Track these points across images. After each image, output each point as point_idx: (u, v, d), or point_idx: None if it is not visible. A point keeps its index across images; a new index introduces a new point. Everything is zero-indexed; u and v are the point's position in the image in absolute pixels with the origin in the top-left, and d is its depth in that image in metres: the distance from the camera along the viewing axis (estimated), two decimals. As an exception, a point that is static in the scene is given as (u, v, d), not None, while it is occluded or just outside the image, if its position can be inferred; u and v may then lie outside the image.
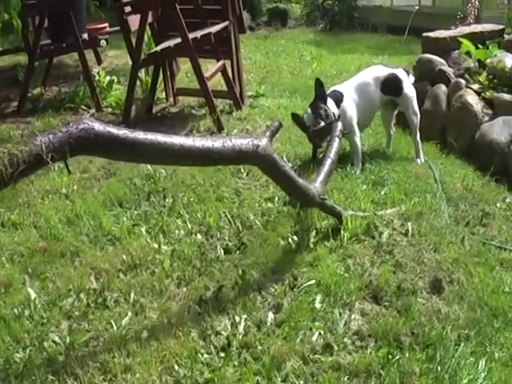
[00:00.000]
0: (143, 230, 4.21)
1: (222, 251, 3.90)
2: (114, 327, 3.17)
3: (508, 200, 4.72)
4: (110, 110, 7.29)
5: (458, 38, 6.54)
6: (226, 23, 6.76)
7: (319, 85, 4.98)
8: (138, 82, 7.57)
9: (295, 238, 3.97)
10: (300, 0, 15.21)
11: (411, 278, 3.54)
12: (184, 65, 8.59)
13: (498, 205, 4.63)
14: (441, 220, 4.27)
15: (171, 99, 7.51)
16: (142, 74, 7.63)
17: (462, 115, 5.69)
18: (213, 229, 4.16)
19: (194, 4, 6.86)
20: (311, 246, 3.90)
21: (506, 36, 6.83)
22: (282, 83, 8.36)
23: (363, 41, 11.78)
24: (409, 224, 4.13)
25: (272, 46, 11.65)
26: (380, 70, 5.37)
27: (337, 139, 4.22)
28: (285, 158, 5.22)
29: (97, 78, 7.64)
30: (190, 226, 4.22)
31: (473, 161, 5.40)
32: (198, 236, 4.09)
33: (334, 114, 4.93)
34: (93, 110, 7.11)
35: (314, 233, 4.03)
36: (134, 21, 6.42)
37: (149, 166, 5.10)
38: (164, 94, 7.58)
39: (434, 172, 5.07)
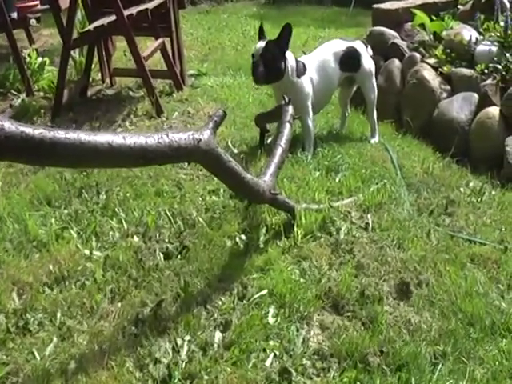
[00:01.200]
0: (73, 232, 3.76)
1: (162, 256, 3.46)
2: (37, 357, 2.72)
3: (472, 184, 4.38)
4: (42, 94, 6.73)
5: (411, 10, 6.11)
6: (164, -2, 6.27)
7: (287, 31, 4.59)
8: (72, 63, 7.08)
9: (243, 237, 3.56)
10: (242, -28, 14.67)
11: (375, 281, 3.16)
12: (121, 43, 8.11)
13: (462, 189, 4.29)
14: (402, 210, 3.90)
15: (108, 80, 7.01)
16: (76, 54, 7.12)
17: (418, 92, 5.33)
18: (151, 229, 3.72)
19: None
20: (261, 246, 3.49)
21: (460, 7, 6.46)
22: (226, 60, 7.90)
23: (308, 13, 11.35)
24: (368, 216, 3.75)
25: (214, 20, 11.15)
26: (338, 45, 4.96)
27: (288, 125, 3.80)
28: (230, 143, 4.81)
29: (28, 59, 7.06)
30: (125, 227, 3.78)
31: (431, 141, 5.06)
32: (135, 238, 3.66)
33: (287, 67, 4.58)
34: (23, 95, 6.51)
35: (264, 230, 3.63)
36: (63, -1, 5.88)
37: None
38: (100, 75, 7.05)
39: (391, 155, 4.70)
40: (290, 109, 3.95)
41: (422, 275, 3.22)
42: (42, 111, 5.97)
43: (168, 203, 3.99)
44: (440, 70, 5.39)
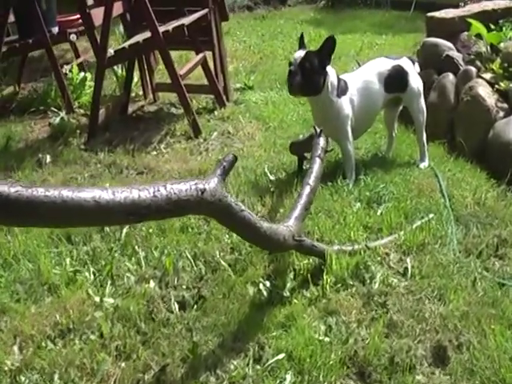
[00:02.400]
0: (88, 274, 3.48)
1: (177, 306, 3.16)
2: None
3: (529, 217, 3.92)
4: (82, 111, 6.51)
5: (467, 19, 5.67)
6: (205, 11, 5.98)
7: (330, 43, 4.21)
8: (115, 79, 6.86)
9: (268, 284, 3.26)
10: (301, -25, 14.29)
11: (408, 344, 2.77)
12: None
13: (517, 224, 3.84)
14: (448, 251, 3.51)
15: (150, 96, 6.75)
16: (118, 68, 6.89)
17: (472, 110, 4.88)
18: (169, 273, 3.42)
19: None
20: (286, 294, 3.17)
21: (522, 13, 5.99)
22: (275, 71, 7.55)
23: (366, 18, 10.92)
24: (408, 260, 3.38)
25: (269, 26, 10.84)
26: (383, 64, 4.58)
27: (317, 160, 3.45)
28: (266, 169, 4.47)
29: (69, 75, 6.84)
30: (143, 269, 3.48)
31: (486, 165, 4.61)
32: (151, 284, 3.37)
33: (327, 84, 4.25)
34: (63, 112, 6.27)
35: (291, 275, 3.32)
36: (98, 14, 5.63)
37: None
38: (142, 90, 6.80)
39: (441, 183, 4.29)
40: (322, 141, 3.61)
41: (462, 335, 2.83)
42: (78, 131, 5.72)
43: (192, 241, 3.70)
44: (497, 86, 4.94)
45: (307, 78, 4.13)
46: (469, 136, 4.86)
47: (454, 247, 3.54)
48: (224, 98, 6.27)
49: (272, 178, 4.45)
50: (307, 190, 3.23)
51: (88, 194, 2.18)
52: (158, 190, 2.33)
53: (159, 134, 5.62)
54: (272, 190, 4.24)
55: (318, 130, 3.75)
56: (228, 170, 2.61)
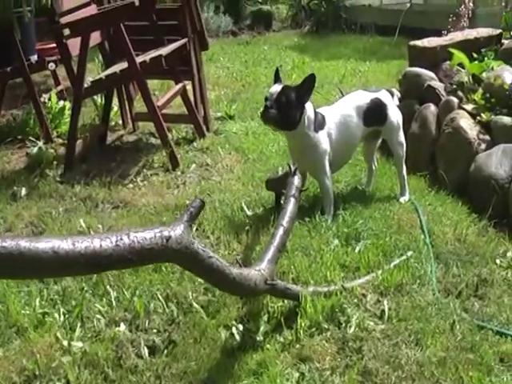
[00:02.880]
0: (58, 316, 3.36)
1: (147, 352, 3.05)
2: None
3: (509, 254, 3.85)
4: (61, 140, 6.41)
5: (449, 49, 5.61)
6: (184, 41, 5.91)
7: (310, 81, 4.15)
8: (94, 108, 6.78)
9: (240, 327, 3.15)
10: (286, 0, 14.26)
11: (383, 394, 2.67)
12: (150, 82, 7.79)
13: (498, 262, 3.77)
14: (426, 291, 3.42)
15: (130, 125, 6.66)
16: (98, 97, 6.81)
17: (453, 142, 4.81)
18: (140, 316, 3.31)
19: (149, 20, 6.00)
20: (259, 339, 3.07)
21: (504, 41, 5.92)
22: (256, 99, 7.47)
23: (351, 43, 10.91)
24: (385, 302, 3.29)
25: (253, 52, 10.80)
26: (361, 97, 4.49)
27: (292, 200, 3.37)
28: (243, 204, 4.37)
29: (48, 103, 6.75)
30: (114, 311, 3.37)
31: (467, 199, 4.53)
32: (121, 327, 3.26)
33: (304, 118, 4.16)
34: (41, 142, 6.16)
35: (265, 318, 3.22)
36: (76, 44, 5.54)
37: (82, 223, 4.31)
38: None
39: (421, 218, 4.21)
40: (296, 180, 3.52)
41: (439, 384, 2.72)
42: (55, 163, 5.60)
43: (165, 281, 3.60)
44: (478, 118, 4.86)
45: (283, 112, 4.04)
46: (450, 169, 4.78)
47: (434, 287, 3.45)
48: (204, 128, 6.19)
49: (249, 213, 4.36)
50: (280, 231, 3.14)
51: (47, 245, 2.09)
52: (121, 239, 2.24)
53: (137, 166, 5.52)
54: (249, 226, 4.15)
55: (293, 168, 3.65)
56: (195, 215, 2.52)
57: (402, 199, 4.55)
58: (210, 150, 5.77)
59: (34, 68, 6.78)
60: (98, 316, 3.35)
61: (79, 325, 3.29)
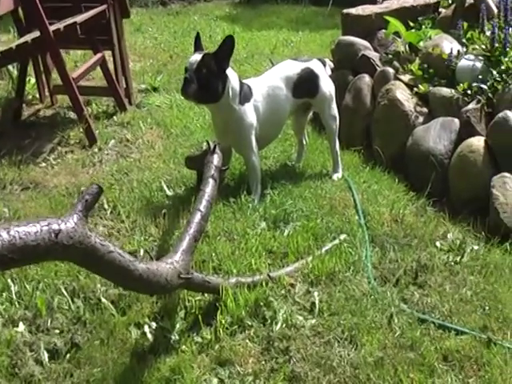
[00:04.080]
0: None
1: (46, 356, 2.67)
2: None
3: (450, 236, 3.58)
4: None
5: (385, 16, 5.28)
6: (103, 7, 5.46)
7: (229, 44, 3.75)
8: (8, 81, 6.28)
9: (153, 325, 2.79)
10: (217, -31, 13.77)
11: (311, 403, 2.34)
12: (73, 52, 7.33)
13: (438, 244, 3.48)
14: (361, 279, 3.10)
15: (48, 99, 6.17)
16: (14, 69, 6.30)
17: (389, 115, 4.50)
18: (42, 314, 2.91)
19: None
20: (175, 338, 2.73)
21: (442, 10, 5.61)
22: (183, 71, 7.03)
23: (283, 13, 10.52)
24: (315, 293, 2.97)
25: (183, 22, 10.32)
26: (291, 67, 4.14)
27: (210, 182, 3.00)
28: (163, 183, 4.00)
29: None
30: (13, 309, 2.96)
31: (404, 176, 4.25)
32: (20, 327, 2.87)
33: (227, 89, 3.79)
34: None
35: (182, 314, 2.87)
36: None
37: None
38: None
39: (355, 197, 3.90)
40: (216, 159, 3.16)
41: (375, 390, 2.40)
42: (-39, 141, 5.12)
43: (72, 273, 3.20)
44: (416, 89, 4.55)
45: (204, 85, 3.67)
46: (386, 143, 4.48)
47: (369, 274, 3.14)
48: (126, 101, 5.76)
49: (169, 193, 4.00)
50: (197, 217, 2.78)
51: None
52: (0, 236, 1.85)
53: (51, 143, 5.08)
54: (168, 208, 3.77)
55: (212, 146, 3.28)
56: (91, 204, 2.14)
57: (334, 176, 4.24)
58: (130, 124, 5.36)
59: None
60: (-4, 314, 2.94)
61: (-27, 325, 2.87)
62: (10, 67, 6.37)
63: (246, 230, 3.49)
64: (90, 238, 2.10)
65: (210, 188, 2.98)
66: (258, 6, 11.33)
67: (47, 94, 6.16)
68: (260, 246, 3.32)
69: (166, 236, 3.51)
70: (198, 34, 3.92)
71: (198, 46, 3.86)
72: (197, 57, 3.70)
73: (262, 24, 9.71)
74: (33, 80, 6.20)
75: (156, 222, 3.66)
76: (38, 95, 6.24)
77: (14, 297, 3.06)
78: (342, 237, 3.43)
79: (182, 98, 3.99)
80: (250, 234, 3.45)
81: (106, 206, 3.89)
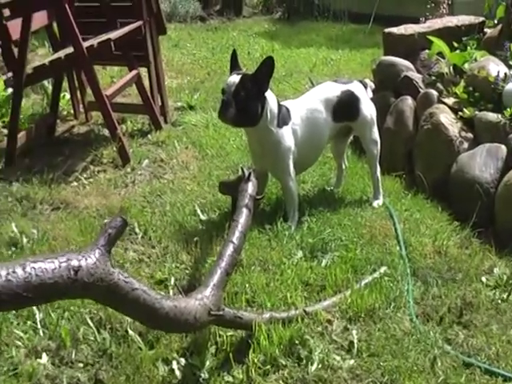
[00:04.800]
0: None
1: (69, 392, 2.52)
2: None
3: (496, 270, 3.39)
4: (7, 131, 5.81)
5: (428, 36, 5.11)
6: (139, 23, 5.35)
7: (268, 65, 3.60)
8: (43, 96, 6.21)
9: (182, 361, 2.64)
10: (257, -15, 13.71)
11: None
12: (110, 68, 7.26)
13: (484, 279, 3.30)
14: (403, 316, 2.93)
15: (83, 115, 6.09)
16: (49, 84, 6.24)
17: (432, 140, 4.33)
18: (67, 345, 2.77)
19: (100, 0, 5.46)
20: (204, 376, 2.58)
21: (487, 30, 5.44)
22: (220, 89, 6.92)
23: (323, 31, 10.38)
24: (354, 332, 2.79)
25: (221, 38, 10.23)
26: (331, 89, 3.99)
27: (244, 211, 2.86)
28: (197, 207, 3.87)
29: (-7, 91, 6.15)
30: (37, 339, 2.83)
31: (448, 204, 4.06)
32: (43, 358, 2.73)
33: (266, 112, 3.65)
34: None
35: (212, 350, 2.70)
36: (17, 26, 4.97)
37: (15, 228, 3.76)
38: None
39: (396, 226, 3.73)
40: (250, 188, 3.00)
41: None
42: (-4, 157, 5.04)
43: (98, 304, 3.03)
44: (460, 113, 4.37)
45: (243, 108, 3.53)
46: (429, 169, 4.30)
47: (411, 311, 2.96)
48: (161, 119, 5.66)
49: (203, 217, 3.86)
50: (230, 249, 2.63)
51: None
52: (14, 272, 1.72)
53: (84, 161, 4.98)
54: (201, 233, 3.63)
55: (246, 172, 3.13)
56: (114, 238, 2.00)
57: (375, 203, 4.07)
58: (165, 143, 5.25)
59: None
60: (19, 343, 2.81)
61: (-4, 356, 2.75)
62: (45, 82, 6.32)
63: (282, 260, 3.34)
64: (112, 275, 1.96)
65: (243, 218, 2.84)
66: (297, 22, 11.21)
67: (82, 110, 6.07)
68: (296, 278, 3.17)
69: (198, 264, 3.38)
70: (234, 51, 3.79)
71: (234, 65, 3.73)
72: (235, 78, 3.56)
73: (301, 41, 9.57)
74: (68, 96, 6.11)
75: (188, 249, 3.53)
76: (72, 111, 6.14)
77: (39, 325, 2.93)
78: (383, 269, 3.26)
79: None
80: (285, 263, 3.30)
81: (137, 230, 3.77)
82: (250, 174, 3.15)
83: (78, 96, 6.05)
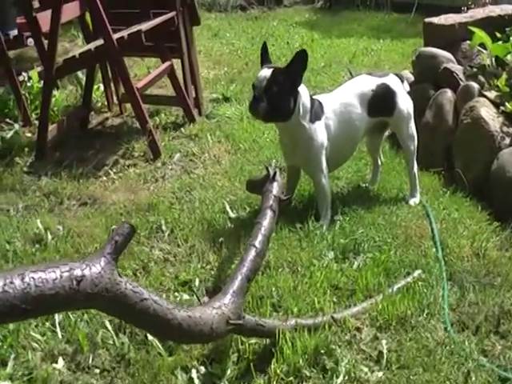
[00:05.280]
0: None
1: (83, 400, 2.42)
2: None
3: (538, 275, 3.18)
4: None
5: (469, 27, 4.90)
6: (172, 14, 5.24)
7: (301, 58, 3.45)
8: (76, 88, 6.14)
9: (202, 369, 2.51)
10: (298, -26, 13.48)
11: None
12: (147, 59, 7.17)
13: (524, 285, 3.10)
14: (436, 324, 2.77)
15: (117, 107, 6.00)
16: (84, 75, 6.15)
17: (472, 135, 4.14)
18: (84, 349, 2.67)
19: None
20: (225, 386, 2.42)
21: (532, 19, 5.22)
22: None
23: (364, 21, 10.17)
24: (383, 341, 2.64)
25: (261, 28, 10.10)
26: (366, 83, 3.82)
27: (268, 213, 2.71)
28: (227, 204, 3.75)
29: (29, 82, 6.08)
30: (54, 341, 2.74)
31: (488, 203, 3.87)
32: (59, 363, 2.63)
33: (298, 106, 3.51)
34: (18, 125, 5.50)
35: (234, 358, 2.57)
36: (48, 18, 4.89)
37: (40, 225, 3.69)
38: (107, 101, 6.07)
39: (433, 226, 3.57)
40: (275, 188, 2.86)
41: None
42: (26, 150, 4.96)
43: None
44: (502, 108, 4.18)
45: (275, 103, 3.40)
46: (469, 166, 4.12)
47: (446, 320, 2.80)
48: (195, 111, 5.54)
49: (232, 215, 3.74)
50: (252, 253, 2.50)
51: None
52: (11, 283, 1.61)
53: (115, 155, 4.89)
54: (229, 232, 3.52)
55: (271, 171, 2.99)
56: (122, 246, 1.88)
57: (411, 201, 3.91)
58: (198, 136, 5.13)
59: (11, 44, 6.10)
60: (36, 346, 2.72)
61: (13, 357, 2.65)
62: (79, 74, 6.24)
63: (312, 261, 3.21)
64: (119, 285, 1.84)
65: (267, 221, 2.70)
66: (339, 12, 11.01)
67: (116, 102, 5.97)
68: (325, 281, 3.03)
69: (224, 265, 3.26)
70: (264, 44, 3.65)
71: (265, 58, 3.58)
72: (266, 73, 3.42)
73: (342, 31, 9.39)
74: (102, 88, 6.03)
75: (215, 249, 3.41)
76: (106, 103, 6.06)
77: (58, 327, 2.83)
78: (417, 273, 3.10)
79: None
80: (315, 265, 3.17)
81: (163, 228, 3.67)
82: (275, 173, 3.01)
83: (111, 88, 5.95)
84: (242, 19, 11.24)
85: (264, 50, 3.61)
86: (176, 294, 3.06)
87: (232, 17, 11.46)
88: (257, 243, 2.58)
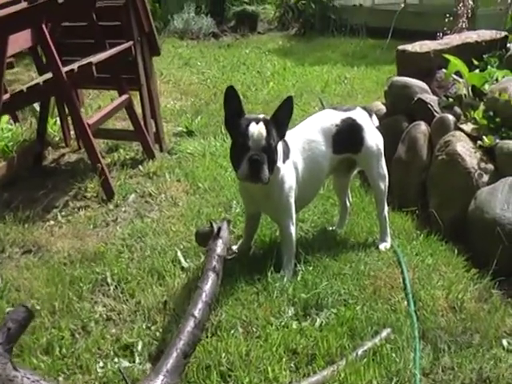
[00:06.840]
0: None
1: None
2: None
3: (520, 331, 2.86)
4: (-6, 160, 5.39)
5: (445, 55, 4.61)
6: (128, 44, 4.92)
7: (288, 105, 3.12)
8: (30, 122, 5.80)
9: None
10: (273, 0, 13.25)
11: None
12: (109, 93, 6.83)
13: (505, 343, 2.80)
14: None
15: (76, 142, 5.66)
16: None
17: (448, 173, 3.84)
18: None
19: (87, 19, 5.02)
20: None
21: (510, 46, 4.93)
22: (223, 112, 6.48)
23: (339, 47, 9.94)
24: (346, 420, 2.29)
25: (233, 56, 9.83)
26: (330, 118, 3.51)
27: (211, 276, 2.38)
28: (179, 253, 3.41)
29: (-18, 116, 5.72)
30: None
31: (465, 247, 3.56)
32: None
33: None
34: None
35: None
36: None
37: None
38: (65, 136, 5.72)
39: (405, 276, 3.24)
40: (219, 246, 2.51)
41: None
42: (-28, 191, 4.61)
43: (54, 369, 2.61)
44: (479, 142, 3.88)
45: (273, 161, 3.09)
46: (444, 205, 3.82)
47: (418, 390, 2.46)
48: (156, 146, 5.21)
49: (185, 264, 3.43)
50: (190, 324, 2.16)
51: None
52: None
53: (67, 195, 4.55)
54: (181, 285, 3.18)
55: (215, 227, 2.64)
56: (16, 334, 1.53)
57: (382, 246, 3.59)
58: (156, 175, 4.81)
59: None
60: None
61: None
62: (36, 106, 5.90)
63: (269, 320, 2.89)
64: (14, 381, 1.48)
65: (209, 285, 2.37)
66: (314, 39, 10.80)
67: (74, 136, 5.64)
68: (282, 345, 2.70)
69: (171, 325, 2.90)
70: (231, 88, 3.12)
71: (234, 106, 3.12)
72: (259, 128, 3.02)
73: (316, 58, 9.14)
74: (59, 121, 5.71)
75: (162, 306, 3.05)
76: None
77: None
78: (385, 333, 2.77)
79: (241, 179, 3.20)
80: (272, 325, 2.84)
81: (109, 280, 3.35)
82: (219, 229, 2.67)
83: (68, 121, 5.61)
84: (214, 47, 11.01)
85: (231, 96, 3.11)
86: (115, 360, 2.71)
87: (204, 44, 11.23)
88: (196, 312, 2.25)
